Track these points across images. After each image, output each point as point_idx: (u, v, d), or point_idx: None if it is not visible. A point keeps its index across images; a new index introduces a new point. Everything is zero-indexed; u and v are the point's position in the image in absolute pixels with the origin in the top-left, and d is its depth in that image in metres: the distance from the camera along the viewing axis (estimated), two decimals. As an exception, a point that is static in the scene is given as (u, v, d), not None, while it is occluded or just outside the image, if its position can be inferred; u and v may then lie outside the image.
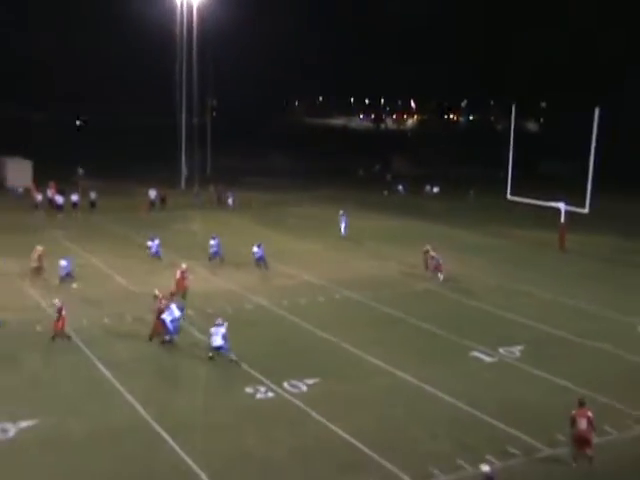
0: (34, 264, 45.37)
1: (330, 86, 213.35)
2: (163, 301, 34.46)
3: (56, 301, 34.34)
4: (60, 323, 33.48)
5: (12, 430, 25.09)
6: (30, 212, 69.75)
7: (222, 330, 31.36)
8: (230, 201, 78.01)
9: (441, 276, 46.53)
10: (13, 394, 28.21)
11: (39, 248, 46.32)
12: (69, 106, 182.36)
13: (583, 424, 23.11)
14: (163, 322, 33.27)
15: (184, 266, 42.54)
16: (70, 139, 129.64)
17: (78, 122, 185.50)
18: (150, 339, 33.91)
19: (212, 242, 50.51)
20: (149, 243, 50.88)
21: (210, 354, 31.44)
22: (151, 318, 35.75)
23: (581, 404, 23.68)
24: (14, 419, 25.77)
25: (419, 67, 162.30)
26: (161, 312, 33.63)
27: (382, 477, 22.50)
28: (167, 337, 33.43)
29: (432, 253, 47.62)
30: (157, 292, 35.54)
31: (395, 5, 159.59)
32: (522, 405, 28.01)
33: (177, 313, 33.51)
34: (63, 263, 43.89)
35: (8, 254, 51.03)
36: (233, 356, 31.34)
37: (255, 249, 49.01)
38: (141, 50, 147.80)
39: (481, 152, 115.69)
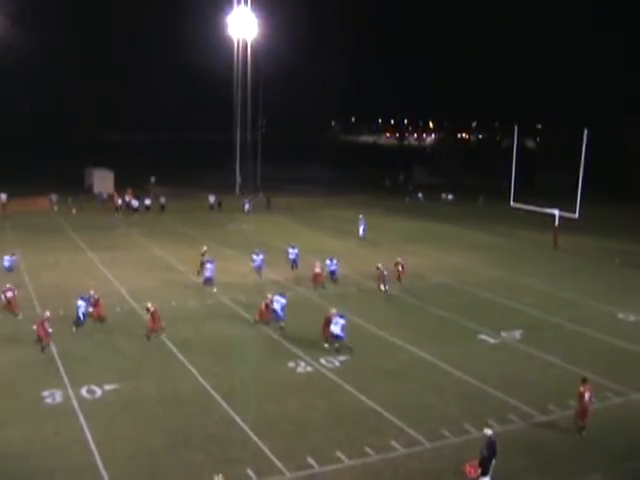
0: (202, 258, 43.97)
1: (362, 109, 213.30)
2: (269, 295, 34.56)
3: (92, 292, 34.19)
4: (99, 310, 33.66)
5: (99, 392, 25.72)
6: (112, 214, 70.49)
7: (342, 321, 30.30)
8: (247, 206, 75.65)
9: (384, 287, 41.30)
10: (100, 363, 28.70)
11: (205, 248, 45.82)
12: (144, 126, 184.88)
13: (587, 397, 23.21)
14: (274, 311, 33.48)
15: (318, 263, 42.59)
16: (144, 153, 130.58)
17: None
18: (254, 322, 34.29)
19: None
20: (253, 257, 44.93)
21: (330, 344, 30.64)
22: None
23: (584, 381, 23.75)
24: (100, 383, 26.39)
25: (436, 93, 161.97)
26: (268, 304, 34.09)
27: (402, 438, 22.68)
28: (281, 324, 33.31)
29: (380, 265, 41.82)
30: (149, 305, 32.32)
31: (417, 43, 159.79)
32: (520, 379, 28.04)
33: (283, 300, 33.74)
34: (209, 266, 41.13)
35: (94, 247, 51.84)
36: (347, 344, 30.48)
37: (290, 250, 46.48)
38: (204, 80, 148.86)
39: (488, 165, 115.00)
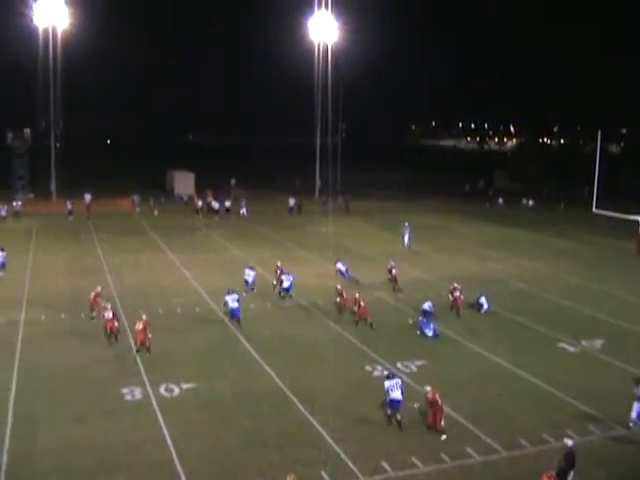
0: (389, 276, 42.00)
1: (442, 112, 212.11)
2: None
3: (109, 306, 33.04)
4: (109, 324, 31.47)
5: (176, 390, 26.10)
6: (192, 215, 71.56)
7: (399, 382, 24.28)
8: (244, 210, 74.37)
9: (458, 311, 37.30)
10: (178, 362, 29.16)
11: (392, 262, 43.52)
12: (225, 129, 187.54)
13: None
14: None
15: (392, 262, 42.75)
16: (225, 155, 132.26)
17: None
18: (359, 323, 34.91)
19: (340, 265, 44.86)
20: (338, 265, 44.77)
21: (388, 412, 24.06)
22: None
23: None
24: (178, 381, 26.78)
25: (518, 98, 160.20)
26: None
27: (478, 445, 22.35)
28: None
29: (456, 287, 38.14)
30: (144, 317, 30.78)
31: (498, 46, 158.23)
32: (601, 390, 27.34)
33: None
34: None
35: (175, 248, 52.67)
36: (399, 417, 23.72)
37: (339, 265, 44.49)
38: (286, 83, 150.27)
39: (570, 171, 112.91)
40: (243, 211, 74.29)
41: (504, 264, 51.16)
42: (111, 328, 30.94)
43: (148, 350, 29.53)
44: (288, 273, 40.41)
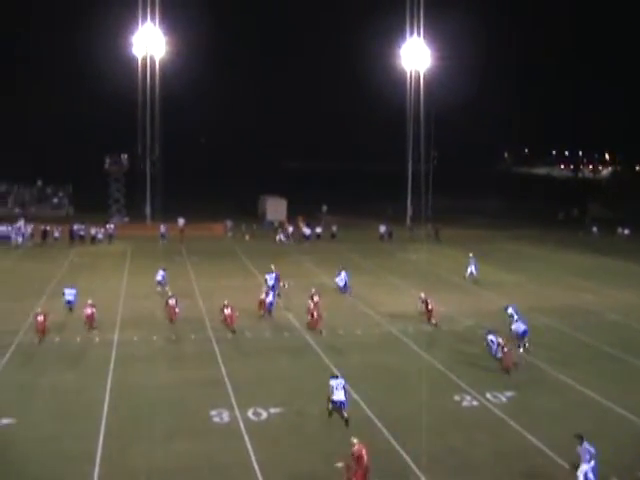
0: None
1: (536, 140, 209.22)
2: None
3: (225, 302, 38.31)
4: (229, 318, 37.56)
5: (264, 414, 26.17)
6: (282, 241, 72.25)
7: (342, 382, 26.04)
8: (282, 236, 73.60)
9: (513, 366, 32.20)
10: (267, 386, 29.21)
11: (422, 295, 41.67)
12: (319, 156, 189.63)
13: None
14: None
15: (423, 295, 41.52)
16: (318, 182, 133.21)
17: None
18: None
19: (341, 275, 48.47)
20: (342, 274, 48.51)
21: (329, 408, 25.80)
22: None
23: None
24: (266, 406, 26.84)
25: (613, 123, 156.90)
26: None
27: (569, 482, 21.70)
28: None
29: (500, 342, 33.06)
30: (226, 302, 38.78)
31: (591, 72, 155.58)
32: (700, 428, 26.26)
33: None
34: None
35: (265, 273, 53.09)
36: (346, 416, 25.34)
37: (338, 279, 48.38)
38: (378, 112, 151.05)
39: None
40: (280, 237, 73.67)
41: (598, 295, 49.78)
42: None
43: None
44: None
